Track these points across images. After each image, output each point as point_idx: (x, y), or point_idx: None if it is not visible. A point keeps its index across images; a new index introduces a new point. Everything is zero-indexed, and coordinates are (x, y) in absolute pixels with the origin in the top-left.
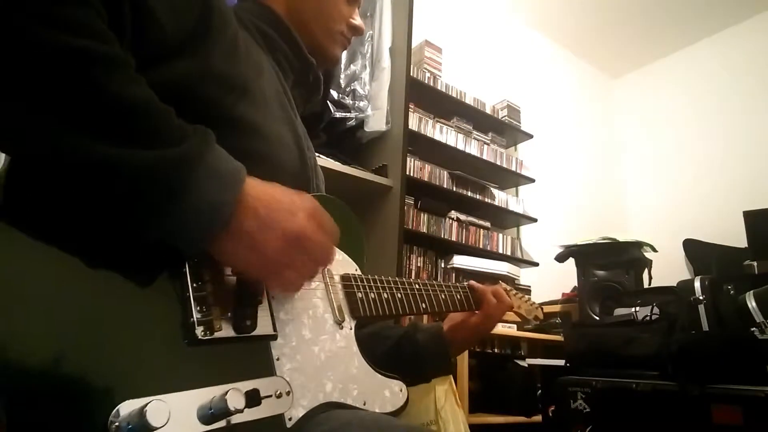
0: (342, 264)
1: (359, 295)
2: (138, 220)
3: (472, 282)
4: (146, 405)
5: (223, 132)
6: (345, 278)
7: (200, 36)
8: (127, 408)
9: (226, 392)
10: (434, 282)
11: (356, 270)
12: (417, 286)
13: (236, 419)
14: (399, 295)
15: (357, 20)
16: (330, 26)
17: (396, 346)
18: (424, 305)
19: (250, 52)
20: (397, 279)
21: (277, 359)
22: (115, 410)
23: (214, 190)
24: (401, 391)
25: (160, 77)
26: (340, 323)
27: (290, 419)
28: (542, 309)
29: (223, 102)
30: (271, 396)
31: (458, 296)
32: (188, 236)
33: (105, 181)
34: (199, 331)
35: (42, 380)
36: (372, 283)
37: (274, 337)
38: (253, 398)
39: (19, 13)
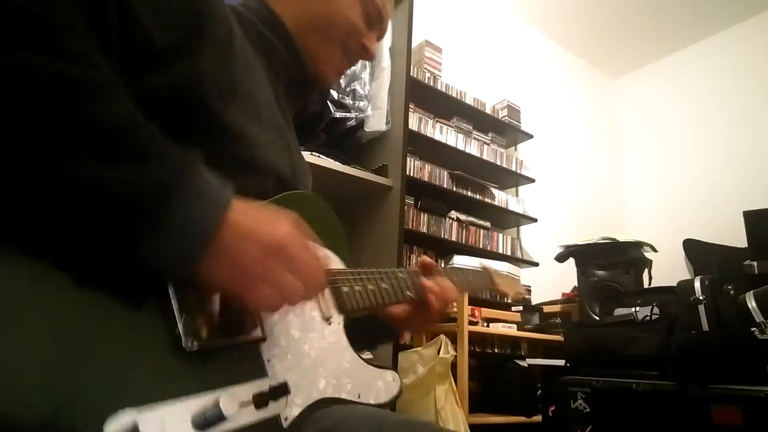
0: (325, 260)
1: (345, 289)
2: (124, 238)
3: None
4: (139, 418)
5: (212, 138)
6: (329, 273)
7: (191, 38)
8: (119, 422)
9: (219, 398)
10: (418, 269)
11: (340, 264)
12: (402, 275)
13: (232, 424)
14: (384, 286)
15: (371, 44)
16: (339, 38)
17: None
18: (409, 293)
19: (244, 53)
20: (380, 269)
21: (268, 361)
22: (106, 425)
23: (199, 209)
24: (394, 380)
25: (148, 86)
26: (328, 319)
27: (286, 419)
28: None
29: (213, 107)
30: None
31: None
32: (173, 255)
33: (88, 201)
34: (185, 341)
35: (29, 399)
36: (357, 276)
37: (263, 340)
38: (246, 402)
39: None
